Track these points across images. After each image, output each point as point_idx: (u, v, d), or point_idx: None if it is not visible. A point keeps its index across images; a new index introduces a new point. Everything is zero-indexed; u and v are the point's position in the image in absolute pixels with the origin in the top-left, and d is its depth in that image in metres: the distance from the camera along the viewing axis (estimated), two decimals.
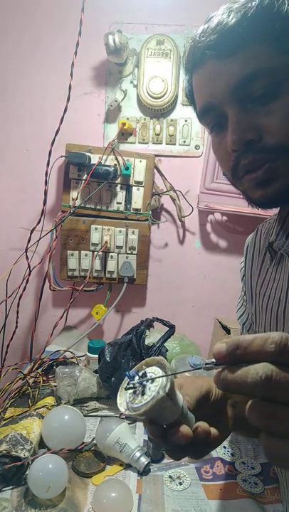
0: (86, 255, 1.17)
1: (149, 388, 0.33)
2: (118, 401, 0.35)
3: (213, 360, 0.29)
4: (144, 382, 0.34)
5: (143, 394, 0.33)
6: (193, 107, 0.52)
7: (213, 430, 0.39)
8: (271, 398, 0.25)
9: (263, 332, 0.57)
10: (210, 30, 0.42)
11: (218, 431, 0.41)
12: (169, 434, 0.35)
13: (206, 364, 0.30)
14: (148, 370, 0.35)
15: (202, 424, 0.38)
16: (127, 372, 0.35)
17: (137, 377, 0.34)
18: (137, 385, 0.34)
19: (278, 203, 0.47)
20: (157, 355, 0.92)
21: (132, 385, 0.34)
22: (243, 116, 0.42)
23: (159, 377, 0.33)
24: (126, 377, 0.35)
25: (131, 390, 0.34)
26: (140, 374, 0.35)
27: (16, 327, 1.13)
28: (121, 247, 1.17)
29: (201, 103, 0.47)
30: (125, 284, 1.18)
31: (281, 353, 0.25)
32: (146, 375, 0.34)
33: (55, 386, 0.91)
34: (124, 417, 0.32)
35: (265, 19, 0.40)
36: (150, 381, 0.34)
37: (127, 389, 0.35)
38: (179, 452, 0.39)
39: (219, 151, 0.48)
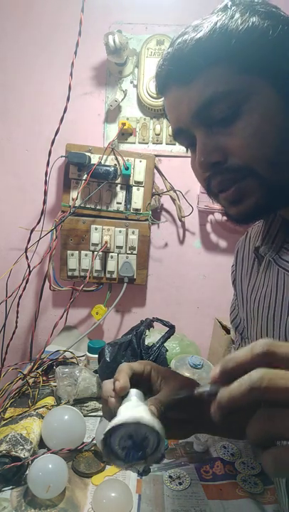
0: (86, 255, 1.17)
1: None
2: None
3: (207, 388, 0.31)
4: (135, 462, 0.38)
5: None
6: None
7: None
8: (272, 400, 0.25)
9: (255, 336, 0.57)
10: (170, 57, 0.44)
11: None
12: None
13: (202, 392, 0.32)
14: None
15: None
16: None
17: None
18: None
19: (253, 218, 0.48)
20: (157, 356, 0.92)
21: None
22: (207, 139, 0.43)
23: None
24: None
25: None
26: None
27: (16, 327, 1.13)
28: (121, 247, 1.17)
29: (172, 127, 0.49)
30: (125, 284, 1.18)
31: (267, 355, 0.26)
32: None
33: (55, 386, 0.91)
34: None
35: (220, 40, 0.40)
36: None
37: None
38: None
39: (194, 169, 0.50)
